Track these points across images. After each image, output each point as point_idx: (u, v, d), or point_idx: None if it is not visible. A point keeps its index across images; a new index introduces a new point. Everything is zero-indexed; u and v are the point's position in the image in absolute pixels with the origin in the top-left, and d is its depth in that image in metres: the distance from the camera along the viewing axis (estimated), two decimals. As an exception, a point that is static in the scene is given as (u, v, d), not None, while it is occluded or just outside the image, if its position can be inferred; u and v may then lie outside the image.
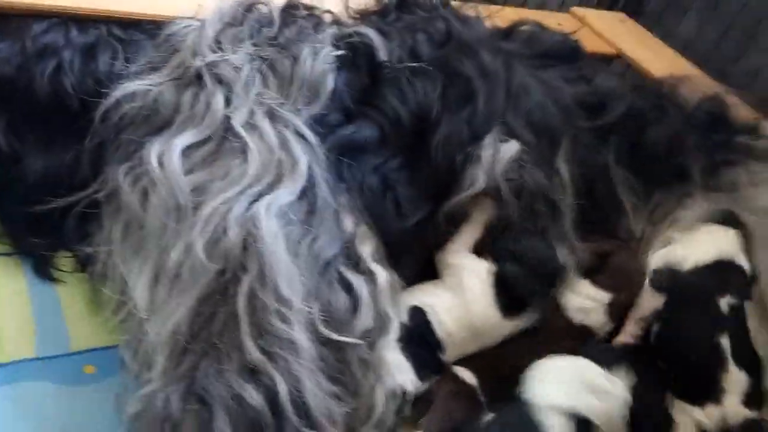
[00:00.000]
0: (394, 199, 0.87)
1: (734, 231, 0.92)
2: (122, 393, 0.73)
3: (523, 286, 0.85)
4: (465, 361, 0.86)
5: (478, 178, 0.88)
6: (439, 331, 0.84)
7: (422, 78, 0.93)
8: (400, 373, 0.78)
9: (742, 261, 0.89)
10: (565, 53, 1.09)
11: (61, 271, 0.89)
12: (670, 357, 0.86)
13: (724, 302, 0.86)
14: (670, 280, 0.89)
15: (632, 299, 0.90)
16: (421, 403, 0.81)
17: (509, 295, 0.85)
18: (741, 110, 1.15)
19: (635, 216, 0.98)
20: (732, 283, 0.88)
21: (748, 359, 0.82)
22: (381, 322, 0.78)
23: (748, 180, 0.99)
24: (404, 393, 0.77)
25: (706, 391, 0.81)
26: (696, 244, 0.92)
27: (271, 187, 0.77)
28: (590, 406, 0.77)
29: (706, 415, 0.81)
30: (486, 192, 0.89)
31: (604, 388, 0.79)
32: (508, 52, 1.02)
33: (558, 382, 0.79)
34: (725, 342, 0.83)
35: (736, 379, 0.81)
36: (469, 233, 0.89)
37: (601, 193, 0.99)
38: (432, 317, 0.84)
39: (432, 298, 0.85)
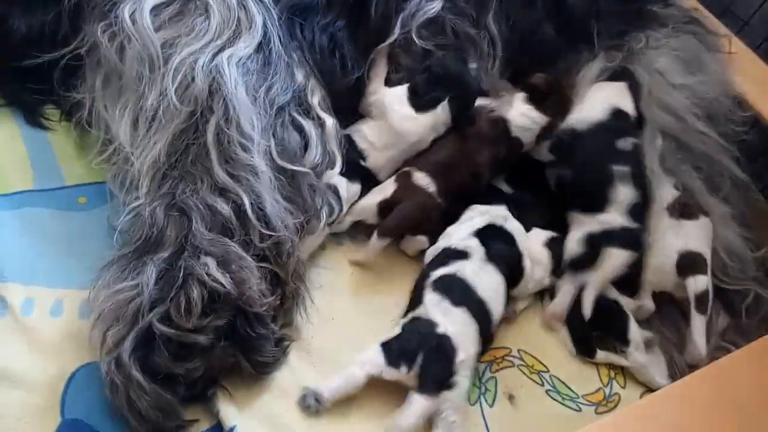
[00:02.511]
0: (340, 56, 1.00)
1: (623, 83, 1.08)
2: (111, 216, 0.88)
3: (423, 89, 1.02)
4: (421, 168, 1.01)
5: (394, 29, 1.01)
6: (361, 142, 1.00)
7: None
8: (333, 178, 0.95)
9: (628, 107, 1.06)
10: None
11: (49, 120, 1.01)
12: (574, 187, 1.03)
13: (622, 143, 1.03)
14: (571, 137, 1.05)
15: (558, 125, 1.06)
16: (384, 209, 0.98)
17: (416, 96, 1.02)
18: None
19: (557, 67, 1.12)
20: (625, 127, 1.05)
21: (638, 181, 1.01)
22: (328, 158, 0.94)
23: (649, 44, 1.14)
24: (338, 194, 0.95)
25: (600, 203, 1.00)
26: (591, 103, 1.07)
27: (231, 42, 0.90)
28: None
29: (598, 221, 0.99)
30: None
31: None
32: None
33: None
34: (618, 168, 1.00)
35: (621, 195, 0.99)
36: (378, 74, 1.03)
37: (530, 47, 1.11)
38: (355, 135, 1.01)
39: (357, 125, 1.02)
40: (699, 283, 0.97)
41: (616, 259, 0.97)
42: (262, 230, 0.82)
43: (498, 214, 1.00)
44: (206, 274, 0.77)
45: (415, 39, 1.02)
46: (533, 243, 1.01)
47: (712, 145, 1.08)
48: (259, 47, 0.91)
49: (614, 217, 0.99)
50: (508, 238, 0.98)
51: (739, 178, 1.09)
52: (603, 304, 0.98)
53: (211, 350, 0.79)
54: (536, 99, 1.06)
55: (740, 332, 1.01)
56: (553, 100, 1.07)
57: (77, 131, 0.98)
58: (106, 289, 0.79)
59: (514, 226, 0.99)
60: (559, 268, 1.00)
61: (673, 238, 0.99)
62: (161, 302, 0.77)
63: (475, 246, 0.95)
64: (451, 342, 0.85)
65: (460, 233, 0.97)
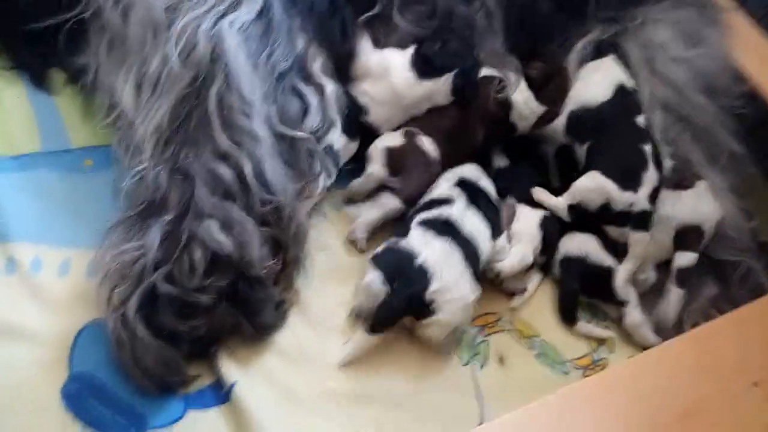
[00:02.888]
0: (340, 21, 1.02)
1: (611, 57, 1.09)
2: (117, 179, 0.91)
3: (439, 59, 1.03)
4: (427, 133, 1.03)
5: (376, 3, 1.02)
6: (362, 98, 1.02)
7: None
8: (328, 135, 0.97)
9: (628, 81, 1.07)
10: None
11: (55, 84, 1.02)
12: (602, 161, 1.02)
13: (640, 119, 1.04)
14: (590, 117, 1.05)
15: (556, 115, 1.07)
16: (391, 165, 1.00)
17: (424, 62, 1.03)
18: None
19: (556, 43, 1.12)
20: (636, 104, 1.06)
21: (659, 162, 1.02)
22: (327, 123, 0.96)
23: (648, 18, 1.14)
24: (334, 151, 0.97)
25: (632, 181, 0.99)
26: (593, 84, 1.07)
27: (232, 8, 0.91)
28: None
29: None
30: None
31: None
32: None
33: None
34: (648, 148, 1.02)
35: (651, 177, 1.00)
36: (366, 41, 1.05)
37: (530, 21, 1.12)
38: (355, 91, 1.02)
39: (358, 82, 1.04)
40: (685, 258, 0.99)
41: (640, 244, 0.98)
42: (263, 195, 0.84)
43: (471, 170, 1.02)
44: (209, 236, 0.80)
45: (395, 15, 1.03)
46: (522, 220, 1.02)
47: (711, 118, 1.09)
48: (261, 14, 0.92)
49: (640, 199, 0.99)
50: (483, 194, 1.00)
51: (736, 151, 1.10)
52: (591, 270, 0.99)
53: (214, 310, 0.82)
54: (534, 88, 1.06)
55: (730, 301, 1.03)
56: (551, 88, 1.06)
57: (83, 95, 0.99)
58: (112, 249, 0.81)
59: (486, 183, 1.02)
60: (549, 247, 1.01)
61: (671, 210, 1.00)
62: (165, 263, 0.79)
63: (456, 194, 0.98)
64: (426, 272, 0.88)
65: (441, 187, 0.99)
